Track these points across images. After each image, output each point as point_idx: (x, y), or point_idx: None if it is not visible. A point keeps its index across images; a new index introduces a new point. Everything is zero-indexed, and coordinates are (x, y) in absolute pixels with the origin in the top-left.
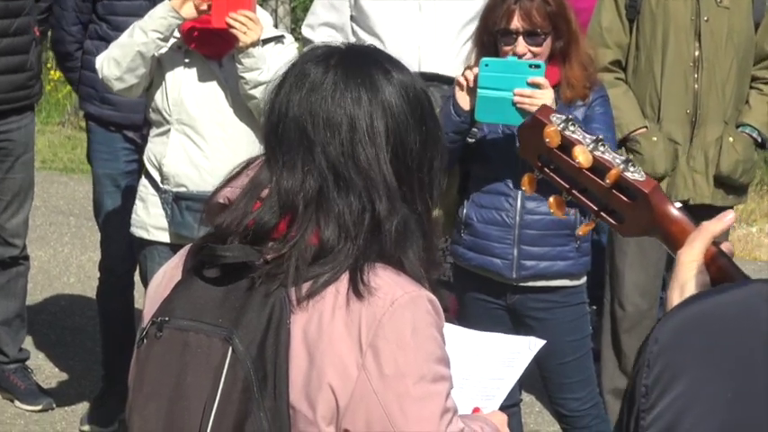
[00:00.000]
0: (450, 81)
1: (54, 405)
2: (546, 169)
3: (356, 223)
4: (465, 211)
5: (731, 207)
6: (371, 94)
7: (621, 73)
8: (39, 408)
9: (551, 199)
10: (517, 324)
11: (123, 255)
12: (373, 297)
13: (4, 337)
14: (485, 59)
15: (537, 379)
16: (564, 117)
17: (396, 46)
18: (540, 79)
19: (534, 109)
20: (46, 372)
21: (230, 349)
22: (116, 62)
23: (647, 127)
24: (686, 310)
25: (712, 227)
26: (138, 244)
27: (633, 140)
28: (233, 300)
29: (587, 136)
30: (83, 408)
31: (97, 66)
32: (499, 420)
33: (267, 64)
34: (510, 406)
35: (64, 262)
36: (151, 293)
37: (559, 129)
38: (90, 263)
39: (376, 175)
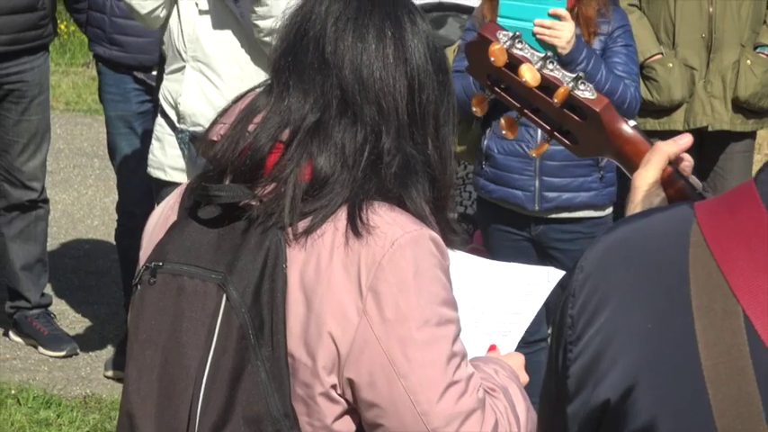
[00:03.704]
0: (469, 11)
1: (78, 350)
2: (497, 89)
3: (356, 153)
4: (486, 142)
5: (752, 132)
6: (396, 29)
7: None
8: (62, 353)
9: (502, 120)
10: (542, 255)
11: (141, 196)
12: (372, 236)
13: (25, 283)
14: None
15: None
16: (511, 34)
17: None
18: (562, 11)
19: (554, 41)
20: (69, 317)
21: (224, 296)
22: None
23: (662, 53)
24: (611, 236)
25: (667, 147)
26: (155, 185)
27: (649, 68)
28: (228, 242)
29: (535, 54)
30: (107, 353)
31: None
32: (516, 363)
33: (281, 10)
34: (537, 341)
35: (88, 205)
36: (147, 235)
37: (505, 46)
38: (114, 205)
39: (389, 107)
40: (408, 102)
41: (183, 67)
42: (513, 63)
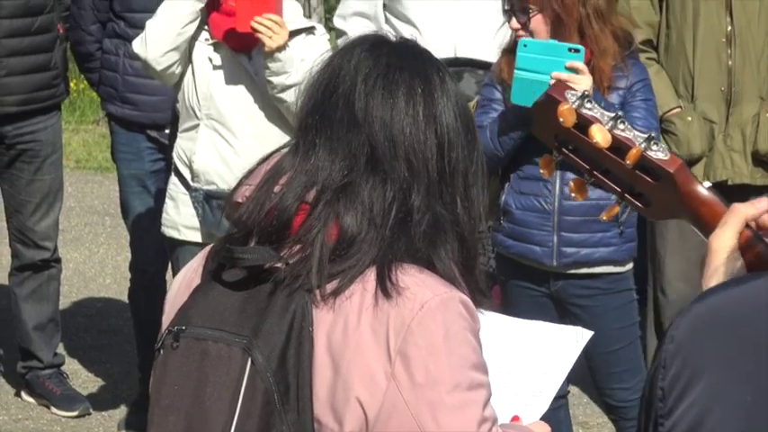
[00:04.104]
0: (485, 66)
1: (91, 410)
2: (564, 150)
3: (384, 212)
4: (504, 197)
5: None
6: (425, 86)
7: (653, 52)
8: (75, 413)
9: (571, 182)
10: (562, 312)
11: (154, 255)
12: (402, 298)
13: (38, 343)
14: (523, 40)
15: (585, 370)
16: (580, 94)
17: (431, 32)
18: (579, 64)
19: None
20: (82, 376)
21: (249, 361)
22: (162, 38)
23: (681, 107)
24: (703, 305)
25: (745, 209)
26: (169, 244)
27: (668, 121)
28: (253, 306)
29: (606, 113)
30: (120, 412)
31: (137, 49)
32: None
33: (295, 66)
34: (557, 398)
35: (99, 263)
36: (170, 299)
37: (574, 106)
38: (126, 263)
39: (419, 164)
40: (438, 160)
41: (197, 126)
42: (583, 123)
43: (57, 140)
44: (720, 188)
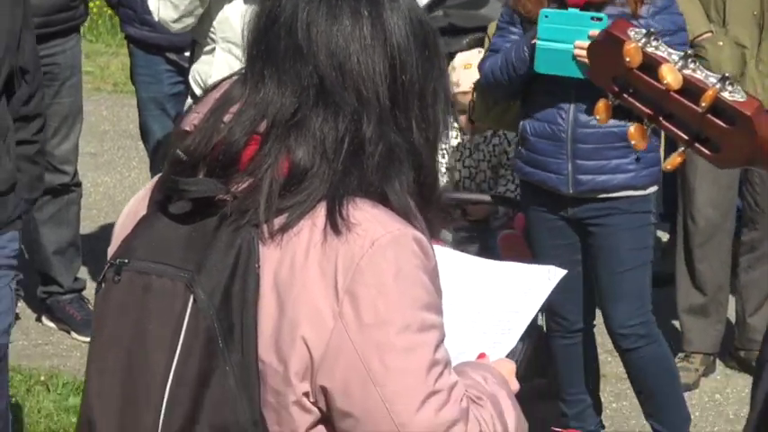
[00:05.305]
0: None
1: None
2: (624, 94)
3: (336, 144)
4: (522, 123)
5: None
6: (372, 7)
7: None
8: None
9: (631, 128)
10: (580, 233)
11: None
12: (352, 234)
13: (58, 267)
14: (544, 11)
15: None
16: (644, 31)
17: None
18: None
19: None
20: None
21: (191, 297)
22: (173, 5)
23: (712, 31)
24: None
25: None
26: None
27: (698, 46)
28: (199, 240)
29: (673, 52)
30: None
31: (152, 8)
32: (507, 369)
33: None
34: (577, 331)
35: (130, 187)
36: (117, 231)
37: (640, 45)
38: None
39: (369, 92)
40: (390, 84)
41: (213, 49)
42: (649, 63)
43: (76, 64)
44: None
